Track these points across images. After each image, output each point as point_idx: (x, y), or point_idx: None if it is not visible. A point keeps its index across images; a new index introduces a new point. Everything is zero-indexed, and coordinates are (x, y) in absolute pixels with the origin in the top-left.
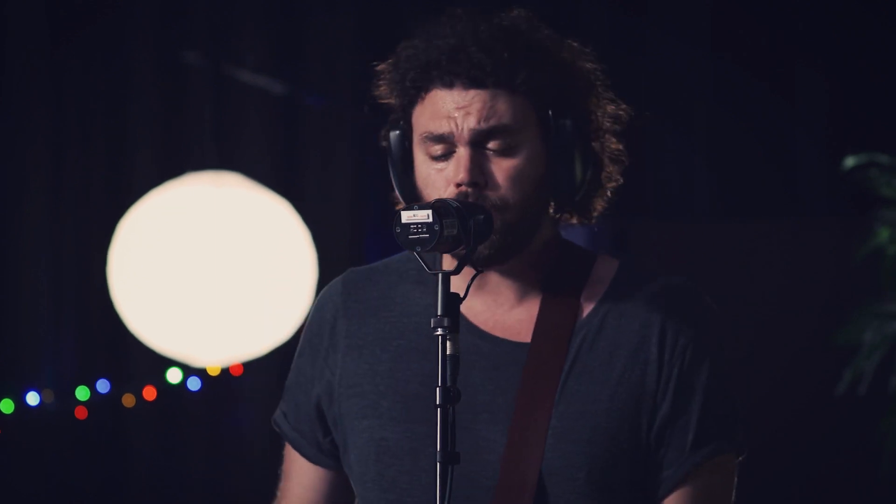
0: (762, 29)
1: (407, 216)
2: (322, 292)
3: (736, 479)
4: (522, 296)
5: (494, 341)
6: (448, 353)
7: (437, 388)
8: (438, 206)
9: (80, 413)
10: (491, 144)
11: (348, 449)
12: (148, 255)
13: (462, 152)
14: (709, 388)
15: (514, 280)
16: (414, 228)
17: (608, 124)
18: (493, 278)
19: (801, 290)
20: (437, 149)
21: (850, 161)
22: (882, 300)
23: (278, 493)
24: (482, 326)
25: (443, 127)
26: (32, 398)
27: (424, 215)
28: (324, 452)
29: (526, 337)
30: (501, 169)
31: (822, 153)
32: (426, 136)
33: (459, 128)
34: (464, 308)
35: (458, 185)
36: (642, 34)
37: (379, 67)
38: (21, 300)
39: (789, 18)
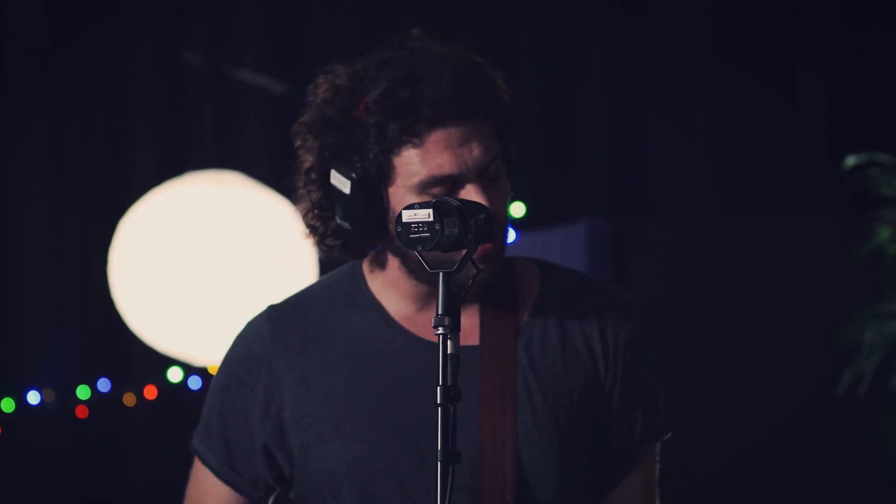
0: (762, 29)
1: (408, 215)
2: (243, 332)
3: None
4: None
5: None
6: (449, 352)
7: (438, 388)
8: (439, 205)
9: (81, 412)
10: (488, 173)
11: (308, 477)
12: (148, 255)
13: (472, 187)
14: (649, 381)
15: None
16: (415, 227)
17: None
18: (427, 292)
19: (801, 290)
20: (441, 189)
21: (850, 161)
22: (882, 300)
23: None
24: (426, 336)
25: (447, 167)
26: (33, 397)
27: (425, 214)
28: (257, 487)
29: (471, 340)
30: (499, 194)
31: (822, 153)
32: (429, 180)
33: (466, 164)
34: (402, 320)
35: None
36: (642, 34)
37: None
38: (22, 299)
39: (789, 18)
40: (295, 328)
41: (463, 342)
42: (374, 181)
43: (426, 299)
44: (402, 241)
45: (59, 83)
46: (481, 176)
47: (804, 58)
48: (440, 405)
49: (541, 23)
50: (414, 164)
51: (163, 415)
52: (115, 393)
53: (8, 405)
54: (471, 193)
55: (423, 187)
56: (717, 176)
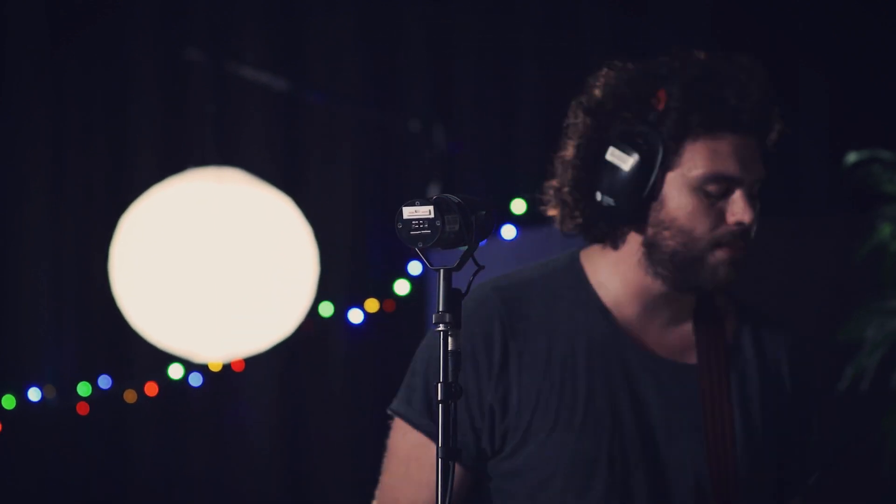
0: (762, 29)
1: (409, 212)
2: (476, 307)
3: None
4: (675, 316)
5: (664, 363)
6: (450, 349)
7: (439, 384)
8: (440, 202)
9: (82, 409)
10: (754, 190)
11: (519, 460)
12: (149, 252)
13: (741, 195)
14: (819, 417)
15: (676, 300)
16: (416, 224)
17: None
18: (657, 295)
19: (802, 288)
20: (716, 188)
21: (851, 157)
22: (884, 297)
23: (389, 477)
24: (644, 345)
25: (731, 169)
26: (34, 394)
27: (426, 211)
28: (480, 457)
29: (688, 358)
30: (755, 211)
31: (823, 150)
32: (711, 175)
33: (746, 172)
34: (625, 322)
35: (739, 223)
36: (642, 34)
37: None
38: (23, 297)
39: (790, 18)
40: (524, 315)
41: (681, 359)
42: (657, 164)
43: (653, 305)
44: (402, 238)
45: (59, 82)
46: (750, 189)
47: (805, 55)
48: (441, 402)
49: (541, 23)
50: (701, 158)
51: (164, 412)
52: (116, 390)
53: (9, 402)
54: (741, 200)
55: (703, 181)
56: None
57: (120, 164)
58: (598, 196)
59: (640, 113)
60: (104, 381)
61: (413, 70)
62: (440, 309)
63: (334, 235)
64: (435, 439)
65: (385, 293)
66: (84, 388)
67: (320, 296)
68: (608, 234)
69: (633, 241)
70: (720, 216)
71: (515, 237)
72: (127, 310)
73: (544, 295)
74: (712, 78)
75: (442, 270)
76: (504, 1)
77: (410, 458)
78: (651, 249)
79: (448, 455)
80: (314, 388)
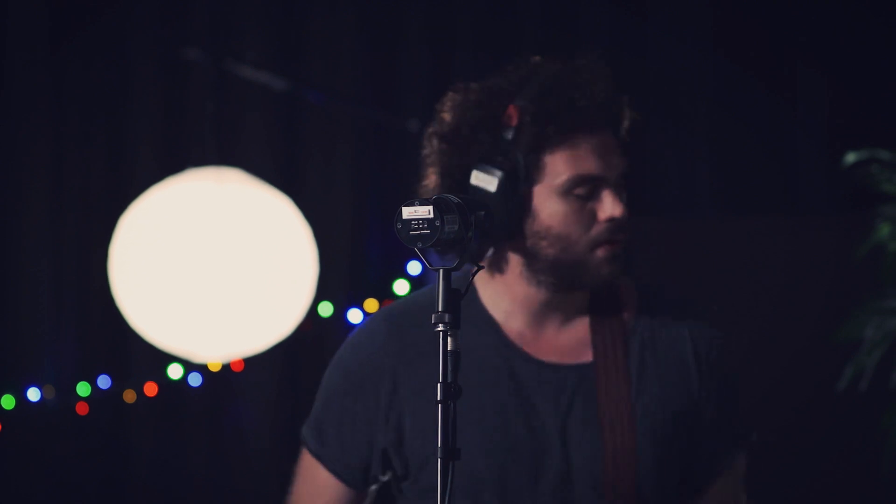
0: (762, 29)
1: (408, 212)
2: (361, 335)
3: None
4: (568, 317)
5: (553, 367)
6: (449, 349)
7: (438, 385)
8: (440, 202)
9: (81, 409)
10: (621, 182)
11: (423, 482)
12: (149, 252)
13: (608, 192)
14: (736, 393)
15: (562, 303)
16: (415, 224)
17: None
18: (541, 303)
19: (801, 287)
20: (583, 189)
21: (850, 157)
22: (883, 296)
23: (291, 497)
24: (535, 354)
25: (593, 168)
26: (33, 394)
27: (426, 211)
28: (365, 481)
29: (584, 357)
30: (624, 204)
31: (822, 150)
32: (576, 178)
33: (609, 169)
34: (516, 337)
35: (611, 220)
36: (642, 34)
37: (459, 95)
38: (22, 296)
39: (789, 18)
40: (412, 340)
41: (575, 360)
42: (521, 179)
43: (542, 312)
44: (402, 239)
45: (60, 82)
46: (617, 183)
47: (804, 55)
48: (440, 402)
49: (540, 22)
50: (562, 164)
51: (163, 412)
52: (116, 390)
53: (8, 402)
54: (608, 197)
55: (569, 185)
56: (717, 174)
57: (119, 163)
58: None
59: (494, 132)
60: (103, 381)
61: (412, 69)
62: (439, 309)
63: (334, 235)
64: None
65: (384, 293)
66: (83, 388)
67: (319, 296)
68: (482, 254)
69: (512, 256)
70: (592, 216)
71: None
72: (126, 309)
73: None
74: (557, 85)
75: (441, 270)
76: (504, 1)
77: (304, 482)
78: (531, 260)
79: (447, 455)
80: (313, 389)
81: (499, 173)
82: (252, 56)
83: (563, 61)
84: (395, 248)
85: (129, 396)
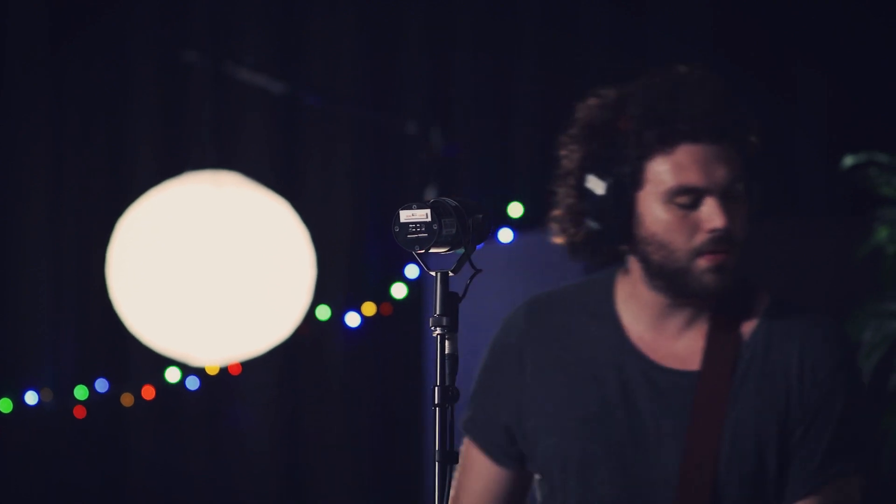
0: (762, 29)
1: (406, 215)
2: (507, 318)
3: (859, 497)
4: (688, 324)
5: (662, 371)
6: (447, 352)
7: (436, 388)
8: (437, 205)
9: (79, 412)
10: (731, 192)
11: (536, 459)
12: (147, 255)
13: (713, 202)
14: (840, 418)
15: (684, 308)
16: (413, 228)
17: None
18: (662, 307)
19: (800, 289)
20: (686, 199)
21: (849, 160)
22: (881, 299)
23: (454, 485)
24: (651, 356)
25: (694, 179)
26: (31, 397)
27: (423, 214)
28: (510, 457)
29: (693, 365)
30: (738, 212)
31: (821, 153)
32: (676, 188)
33: (711, 180)
34: (636, 339)
35: (712, 230)
36: (642, 34)
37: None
38: (20, 299)
39: (789, 18)
40: (545, 323)
41: (683, 366)
42: (627, 185)
43: (663, 316)
44: (400, 242)
45: (59, 83)
46: (724, 194)
47: (804, 57)
48: (438, 405)
49: (539, 25)
50: (664, 173)
51: (161, 415)
52: (113, 393)
53: (6, 405)
54: (711, 208)
55: (670, 195)
56: None
57: (118, 166)
58: (590, 223)
59: (609, 138)
60: (101, 385)
61: (410, 72)
62: (437, 312)
63: (331, 238)
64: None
65: (382, 297)
66: (81, 392)
67: (317, 299)
68: (610, 255)
69: (633, 260)
70: (696, 226)
71: (512, 241)
72: (124, 313)
73: (572, 306)
74: (662, 95)
75: (439, 274)
76: (502, 3)
77: (463, 467)
78: (645, 265)
79: (444, 458)
80: (311, 392)
81: (609, 178)
82: (251, 59)
83: (675, 73)
84: (392, 251)
85: (127, 400)
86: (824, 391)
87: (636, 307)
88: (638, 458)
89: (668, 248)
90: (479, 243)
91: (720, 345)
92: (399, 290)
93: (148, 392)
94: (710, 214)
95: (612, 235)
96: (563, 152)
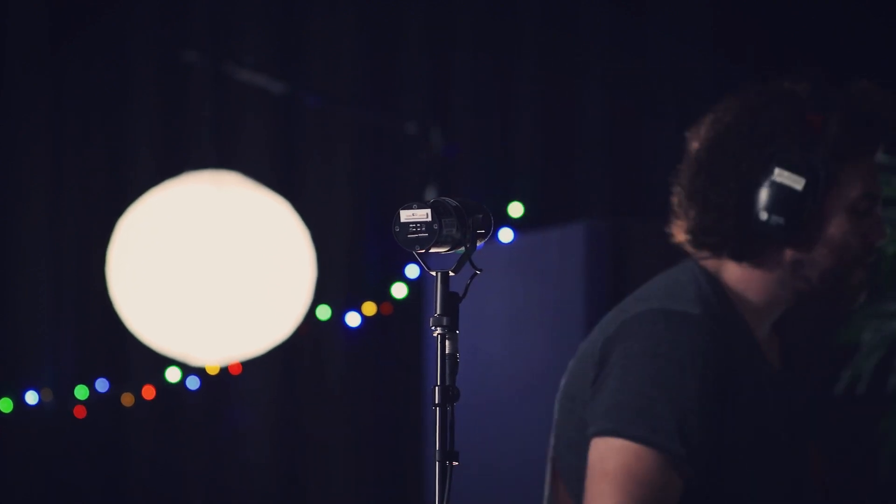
0: (762, 29)
1: (406, 215)
2: (700, 331)
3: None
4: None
5: (776, 374)
6: (447, 352)
7: (436, 388)
8: (437, 205)
9: (79, 412)
10: None
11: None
12: (147, 255)
13: (879, 215)
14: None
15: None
16: (413, 227)
17: None
18: (780, 309)
19: None
20: (866, 205)
21: None
22: (881, 300)
23: None
24: (769, 359)
25: (876, 188)
26: (31, 397)
27: (424, 214)
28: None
29: (776, 363)
30: None
31: None
32: (866, 195)
33: (880, 190)
34: (761, 342)
35: (878, 241)
36: (642, 34)
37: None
38: (20, 299)
39: (789, 18)
40: (722, 346)
41: (777, 365)
42: (822, 185)
43: (778, 311)
44: (400, 242)
45: (59, 83)
46: None
47: (804, 56)
48: (438, 405)
49: (539, 25)
50: (858, 178)
51: (161, 415)
52: (114, 393)
53: (6, 405)
54: (879, 221)
55: (859, 201)
56: None
57: (118, 166)
58: (764, 216)
59: (798, 136)
60: (101, 385)
61: (410, 72)
62: (437, 312)
63: (332, 238)
64: (684, 464)
65: (382, 296)
66: (81, 392)
67: (318, 299)
68: (754, 251)
69: (779, 257)
70: (865, 234)
71: (513, 241)
72: (124, 313)
73: (714, 315)
74: (860, 105)
75: (439, 274)
76: (502, 3)
77: (659, 486)
78: (799, 266)
79: (444, 458)
80: (311, 392)
81: (805, 175)
82: (251, 59)
83: (862, 83)
84: (392, 251)
85: (127, 400)
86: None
87: (758, 304)
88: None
89: (843, 252)
90: (479, 243)
91: (792, 344)
92: (399, 290)
93: (148, 392)
94: (881, 226)
95: (792, 233)
96: (714, 139)
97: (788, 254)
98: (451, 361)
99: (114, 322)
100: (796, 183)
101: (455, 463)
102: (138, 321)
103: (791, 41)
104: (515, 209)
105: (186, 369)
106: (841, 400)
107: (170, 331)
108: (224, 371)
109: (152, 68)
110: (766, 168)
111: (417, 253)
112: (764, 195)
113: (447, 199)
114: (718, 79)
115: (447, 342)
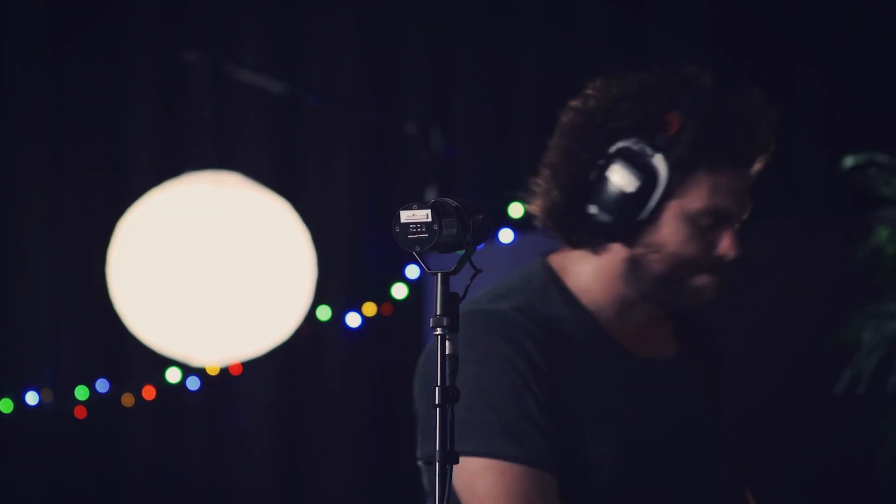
0: (762, 29)
1: (406, 216)
2: (510, 330)
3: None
4: (651, 315)
5: (640, 363)
6: (447, 352)
7: (436, 388)
8: (438, 206)
9: (80, 413)
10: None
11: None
12: (147, 255)
13: (731, 231)
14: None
15: (649, 306)
16: (413, 228)
17: None
18: (632, 303)
19: (799, 290)
20: (710, 220)
21: (849, 161)
22: (881, 300)
23: None
24: (627, 346)
25: (727, 204)
26: (32, 398)
27: (424, 215)
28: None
29: (662, 353)
30: (740, 245)
31: (820, 153)
32: (710, 210)
33: (740, 208)
34: (605, 325)
35: (721, 257)
36: (642, 34)
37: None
38: (21, 300)
39: (789, 19)
40: (549, 342)
41: (654, 355)
42: (661, 190)
43: (630, 304)
44: (400, 242)
45: (59, 83)
46: (739, 222)
47: (803, 57)
48: (438, 406)
49: (539, 25)
50: (703, 191)
51: (161, 415)
52: (114, 393)
53: (6, 406)
54: (729, 237)
55: (701, 214)
56: None
57: (118, 167)
58: (593, 209)
59: (646, 133)
60: (102, 385)
61: (410, 72)
62: (437, 313)
63: (332, 239)
64: (554, 473)
65: (382, 297)
66: (81, 392)
67: (318, 299)
68: (591, 243)
69: (617, 253)
70: (709, 246)
71: (513, 241)
72: (125, 313)
73: (547, 308)
74: (727, 114)
75: (439, 274)
76: (502, 3)
77: (535, 498)
78: (634, 266)
79: (444, 458)
80: (311, 392)
81: (641, 176)
82: (251, 59)
83: (734, 90)
84: (393, 251)
85: (128, 400)
86: (726, 380)
87: (602, 296)
88: (660, 459)
89: (676, 260)
90: (479, 244)
91: (689, 332)
92: (399, 291)
93: (148, 392)
94: (729, 243)
95: (619, 232)
96: (568, 124)
97: (619, 251)
98: (452, 361)
99: (114, 322)
100: (629, 185)
101: (455, 464)
102: (138, 321)
103: (791, 41)
104: (515, 209)
105: (187, 370)
106: (841, 400)
107: (170, 331)
108: (224, 371)
109: (152, 68)
110: (609, 162)
111: (417, 253)
112: (597, 190)
113: (447, 199)
114: (718, 79)
115: (447, 342)
